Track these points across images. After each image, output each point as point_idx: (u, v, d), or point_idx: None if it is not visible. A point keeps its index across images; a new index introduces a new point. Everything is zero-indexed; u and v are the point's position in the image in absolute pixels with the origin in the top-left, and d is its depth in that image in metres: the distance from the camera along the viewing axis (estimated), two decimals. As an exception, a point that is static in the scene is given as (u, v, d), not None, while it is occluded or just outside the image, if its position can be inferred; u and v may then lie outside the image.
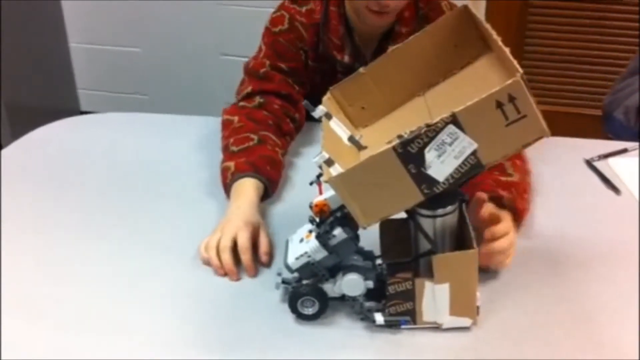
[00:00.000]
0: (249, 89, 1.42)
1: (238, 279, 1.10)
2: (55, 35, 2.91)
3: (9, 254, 1.15)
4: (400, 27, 1.41)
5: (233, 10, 2.71)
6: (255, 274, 1.11)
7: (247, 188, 1.23)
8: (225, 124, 1.38)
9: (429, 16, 1.40)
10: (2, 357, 0.94)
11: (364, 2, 1.33)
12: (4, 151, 1.51)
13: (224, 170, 1.28)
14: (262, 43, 1.45)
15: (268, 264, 1.12)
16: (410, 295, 0.95)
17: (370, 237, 1.00)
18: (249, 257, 1.10)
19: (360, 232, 0.97)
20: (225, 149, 1.33)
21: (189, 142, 1.50)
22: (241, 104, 1.42)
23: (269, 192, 1.27)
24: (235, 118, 1.37)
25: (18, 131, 1.62)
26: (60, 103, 3.01)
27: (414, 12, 1.41)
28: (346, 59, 1.44)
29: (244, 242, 1.11)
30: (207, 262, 1.12)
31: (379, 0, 1.30)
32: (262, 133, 1.33)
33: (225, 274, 1.10)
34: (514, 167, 1.19)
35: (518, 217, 1.13)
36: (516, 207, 1.13)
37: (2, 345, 0.96)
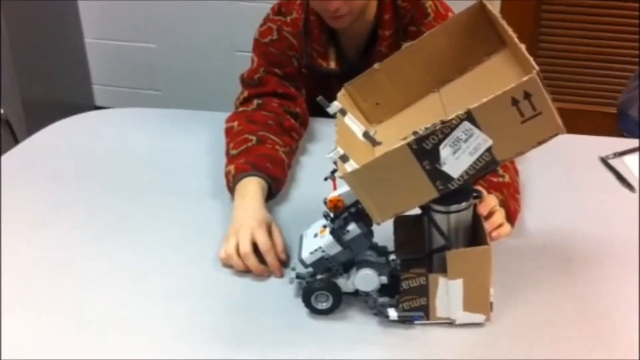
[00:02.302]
0: (246, 93, 1.45)
1: (268, 276, 1.10)
2: (70, 31, 2.93)
3: (18, 249, 1.16)
4: (383, 30, 1.41)
5: (247, 6, 2.72)
6: (282, 274, 1.10)
7: (251, 187, 1.23)
8: (227, 131, 1.40)
9: (414, 17, 1.41)
10: (2, 357, 0.94)
11: (320, 8, 1.35)
12: (19, 146, 1.53)
13: (227, 175, 1.29)
14: (253, 55, 1.47)
15: (286, 262, 1.12)
16: (423, 291, 0.96)
17: (384, 233, 1.01)
18: (274, 257, 1.10)
19: (374, 227, 0.98)
20: (227, 154, 1.34)
21: (203, 137, 1.50)
22: (240, 109, 1.44)
23: (272, 190, 1.27)
24: (235, 123, 1.39)
25: (33, 126, 1.63)
26: (75, 98, 3.03)
27: (393, 14, 1.41)
28: (332, 64, 1.45)
29: (265, 242, 1.10)
30: (229, 266, 1.12)
31: (326, 6, 1.31)
32: (260, 133, 1.34)
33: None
34: (504, 168, 1.19)
35: (511, 217, 1.13)
36: (509, 208, 1.13)
37: (2, 345, 0.96)
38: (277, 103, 1.43)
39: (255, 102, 1.43)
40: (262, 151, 1.31)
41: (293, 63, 1.45)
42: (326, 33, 1.43)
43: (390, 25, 1.41)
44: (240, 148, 1.31)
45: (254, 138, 1.33)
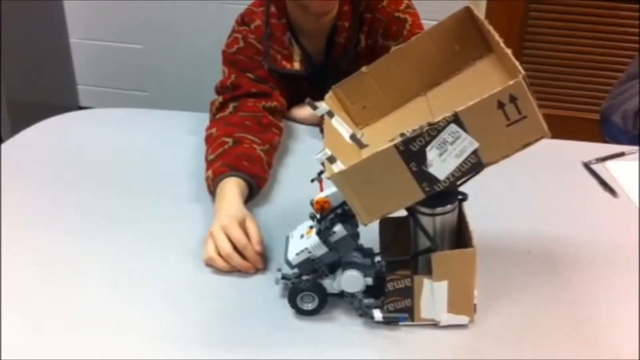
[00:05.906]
0: (221, 99, 1.46)
1: (257, 270, 1.10)
2: (56, 31, 2.92)
3: (7, 251, 1.15)
4: (342, 21, 1.45)
5: (234, 8, 2.71)
6: (262, 265, 1.11)
7: (229, 188, 1.23)
8: (207, 139, 1.40)
9: (369, 5, 1.45)
10: (2, 358, 0.94)
11: None
12: (3, 145, 1.52)
13: (206, 180, 1.29)
14: (223, 67, 1.49)
15: (264, 253, 1.12)
16: (408, 293, 0.96)
17: (370, 235, 1.01)
18: (252, 251, 1.10)
19: (360, 229, 0.98)
20: (205, 160, 1.34)
21: (190, 138, 1.50)
22: (218, 115, 1.45)
23: (253, 187, 1.27)
24: (214, 129, 1.39)
25: (18, 126, 1.62)
26: (60, 99, 3.01)
27: (351, 7, 1.45)
28: (297, 66, 1.47)
29: (239, 238, 1.10)
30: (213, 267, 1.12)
31: None
32: (237, 135, 1.35)
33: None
34: None
35: None
36: None
37: (2, 345, 0.96)
38: (253, 102, 1.44)
39: (231, 105, 1.44)
40: (239, 151, 1.31)
41: (263, 66, 1.47)
42: (288, 36, 1.45)
43: (348, 17, 1.45)
44: (217, 152, 1.31)
45: (230, 140, 1.33)
